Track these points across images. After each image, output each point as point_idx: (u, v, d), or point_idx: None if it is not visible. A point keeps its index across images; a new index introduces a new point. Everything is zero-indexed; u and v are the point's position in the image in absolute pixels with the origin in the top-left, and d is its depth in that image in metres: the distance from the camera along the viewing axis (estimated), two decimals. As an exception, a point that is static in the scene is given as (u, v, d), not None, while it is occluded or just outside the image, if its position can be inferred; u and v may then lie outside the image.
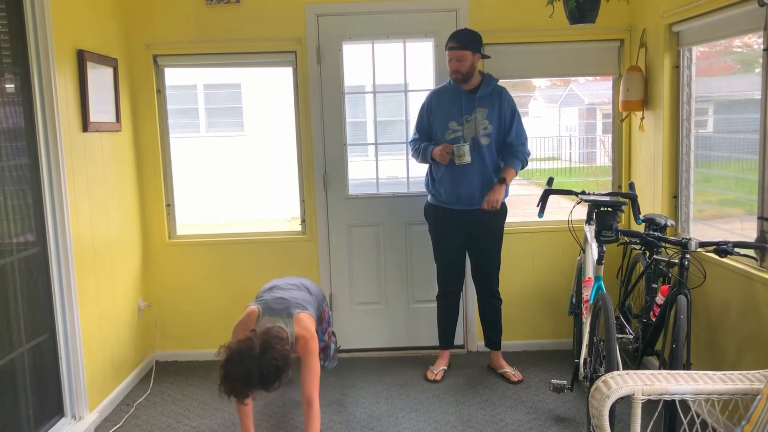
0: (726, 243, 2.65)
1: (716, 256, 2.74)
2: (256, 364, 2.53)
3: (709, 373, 2.15)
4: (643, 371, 2.16)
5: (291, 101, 4.20)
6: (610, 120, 4.29)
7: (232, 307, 4.21)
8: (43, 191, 3.03)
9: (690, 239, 2.72)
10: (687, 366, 2.74)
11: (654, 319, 3.04)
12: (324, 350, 3.39)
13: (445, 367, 3.92)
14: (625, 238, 3.41)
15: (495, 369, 3.92)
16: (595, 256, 3.14)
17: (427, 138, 3.76)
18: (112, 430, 3.35)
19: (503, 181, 3.63)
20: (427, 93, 3.82)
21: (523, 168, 3.72)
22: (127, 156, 3.96)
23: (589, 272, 3.35)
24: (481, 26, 3.95)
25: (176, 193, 4.30)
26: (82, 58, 3.33)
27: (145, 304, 4.14)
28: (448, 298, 3.89)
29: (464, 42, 3.55)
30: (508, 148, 3.67)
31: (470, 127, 3.62)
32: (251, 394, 2.62)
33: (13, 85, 2.90)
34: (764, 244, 2.76)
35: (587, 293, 3.26)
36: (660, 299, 3.01)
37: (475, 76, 3.63)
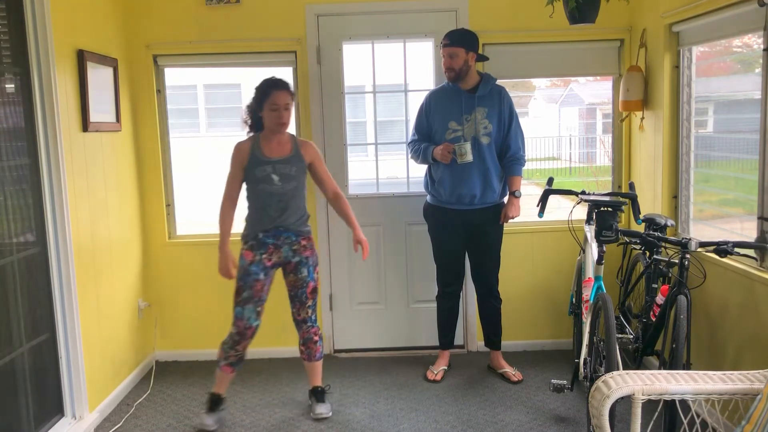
0: (726, 243, 2.65)
1: (716, 256, 2.74)
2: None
3: (709, 373, 2.15)
4: (643, 371, 2.16)
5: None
6: (610, 120, 4.29)
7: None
8: (43, 191, 3.03)
9: (690, 239, 2.72)
10: (687, 366, 2.74)
11: (654, 319, 3.04)
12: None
13: (445, 367, 3.92)
14: (625, 238, 3.41)
15: (495, 369, 3.92)
16: (595, 256, 3.15)
17: (426, 139, 3.76)
18: (112, 430, 3.35)
19: (519, 195, 3.69)
20: (426, 93, 3.82)
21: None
22: (127, 156, 3.96)
23: (589, 272, 3.35)
24: (481, 26, 3.96)
25: (176, 193, 4.30)
26: (82, 58, 3.33)
27: (145, 304, 4.14)
28: (448, 298, 3.88)
29: (456, 39, 3.56)
30: (508, 156, 3.67)
31: (470, 126, 3.62)
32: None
33: (13, 85, 2.90)
34: (764, 244, 2.76)
35: (587, 293, 3.26)
36: (660, 299, 3.01)
37: (473, 76, 3.63)
